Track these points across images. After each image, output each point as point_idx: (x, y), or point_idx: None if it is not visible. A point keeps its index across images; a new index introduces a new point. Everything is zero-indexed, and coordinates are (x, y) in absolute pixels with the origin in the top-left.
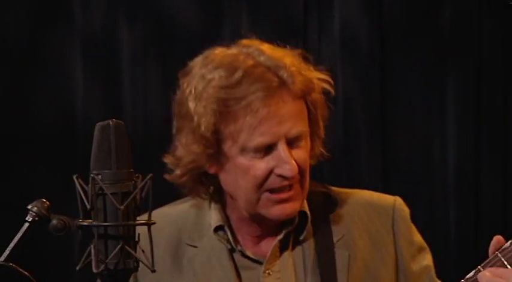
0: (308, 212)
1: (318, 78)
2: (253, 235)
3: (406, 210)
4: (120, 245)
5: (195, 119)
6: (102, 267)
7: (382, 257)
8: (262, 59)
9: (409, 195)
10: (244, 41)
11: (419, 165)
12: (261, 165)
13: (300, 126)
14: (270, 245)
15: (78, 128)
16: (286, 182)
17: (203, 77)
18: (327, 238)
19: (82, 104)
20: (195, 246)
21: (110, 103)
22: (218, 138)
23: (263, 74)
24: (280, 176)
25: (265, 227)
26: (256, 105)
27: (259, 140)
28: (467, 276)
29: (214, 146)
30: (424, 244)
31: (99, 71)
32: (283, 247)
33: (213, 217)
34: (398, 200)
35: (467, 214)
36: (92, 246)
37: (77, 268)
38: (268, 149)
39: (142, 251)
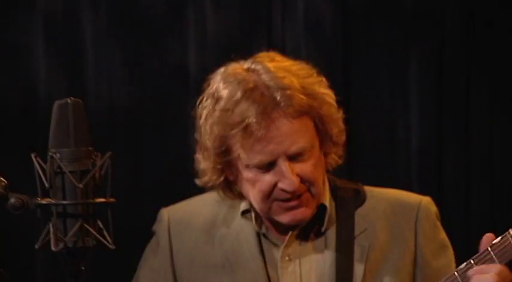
0: (327, 205)
1: (325, 93)
2: (277, 227)
3: (432, 209)
4: (79, 223)
5: (203, 137)
6: (61, 245)
7: (401, 251)
8: (264, 77)
9: (373, 178)
10: (260, 54)
11: (383, 148)
12: (265, 179)
13: (300, 143)
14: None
15: (40, 108)
16: (289, 195)
17: (214, 94)
18: (348, 230)
19: (44, 85)
20: (228, 227)
21: (73, 83)
22: (225, 158)
23: (260, 97)
24: (282, 189)
25: (285, 225)
26: (253, 127)
27: (258, 158)
28: (459, 267)
29: (223, 163)
30: (447, 242)
31: (62, 51)
32: (303, 236)
33: (243, 203)
34: (425, 199)
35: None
36: (50, 224)
37: (36, 247)
38: (270, 165)
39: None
